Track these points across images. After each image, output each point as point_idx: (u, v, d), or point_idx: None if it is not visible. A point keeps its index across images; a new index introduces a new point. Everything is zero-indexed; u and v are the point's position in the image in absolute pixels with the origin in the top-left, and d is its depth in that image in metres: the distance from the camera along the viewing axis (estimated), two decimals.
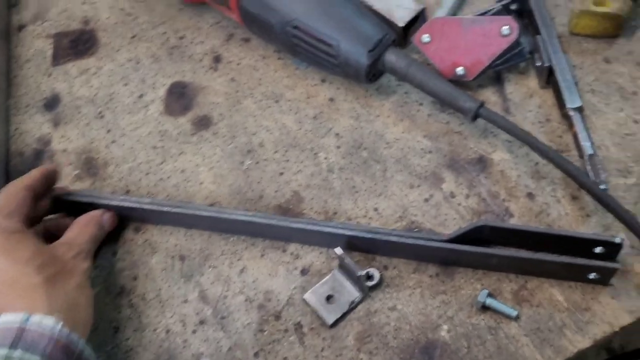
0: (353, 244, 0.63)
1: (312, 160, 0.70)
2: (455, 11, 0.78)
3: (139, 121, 0.75)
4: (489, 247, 0.62)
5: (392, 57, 0.69)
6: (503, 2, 0.74)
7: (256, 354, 0.60)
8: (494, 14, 0.73)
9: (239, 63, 0.78)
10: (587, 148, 0.65)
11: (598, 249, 0.59)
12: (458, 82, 0.70)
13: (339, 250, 0.59)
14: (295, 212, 0.67)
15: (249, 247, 0.65)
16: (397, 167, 0.68)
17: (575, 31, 0.74)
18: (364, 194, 0.67)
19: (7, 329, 0.50)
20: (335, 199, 0.67)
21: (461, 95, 0.66)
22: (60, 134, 0.75)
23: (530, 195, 0.65)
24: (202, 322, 0.62)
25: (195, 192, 0.69)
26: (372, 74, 0.71)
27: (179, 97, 0.77)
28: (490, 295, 0.59)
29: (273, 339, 0.60)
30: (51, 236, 0.63)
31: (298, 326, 0.61)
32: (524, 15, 0.75)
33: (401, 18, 0.73)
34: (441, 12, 0.77)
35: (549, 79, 0.70)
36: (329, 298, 0.61)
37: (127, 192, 0.71)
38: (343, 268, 0.62)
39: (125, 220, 0.68)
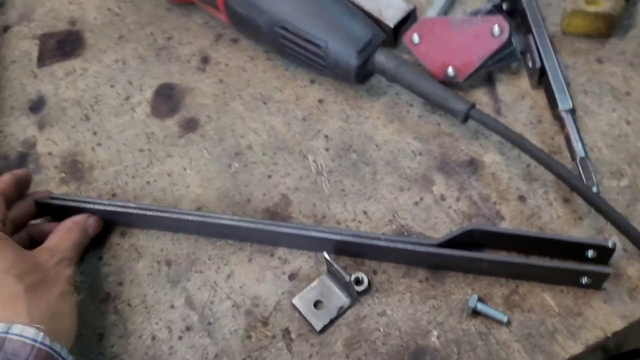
0: (342, 249, 0.62)
1: (300, 163, 0.69)
2: (446, 11, 0.77)
3: (125, 123, 0.74)
4: (480, 250, 0.61)
5: (381, 58, 0.68)
6: (494, 2, 0.73)
7: None
8: (485, 14, 0.72)
9: (228, 64, 0.77)
10: (579, 150, 0.64)
11: (590, 253, 0.58)
12: (449, 83, 0.70)
13: (327, 255, 0.58)
14: (283, 216, 0.66)
15: (236, 251, 0.64)
16: (387, 169, 0.67)
17: (568, 31, 0.73)
18: (353, 197, 0.66)
19: None
20: (324, 202, 0.66)
21: (452, 97, 0.65)
22: (46, 136, 0.74)
23: (521, 198, 0.64)
24: (188, 329, 0.61)
25: (182, 195, 0.68)
26: (362, 75, 0.70)
27: (166, 99, 0.75)
28: (480, 300, 0.58)
29: (260, 345, 0.59)
30: (35, 242, 0.62)
31: (286, 332, 0.60)
32: (516, 15, 0.74)
33: (391, 18, 0.72)
34: (432, 12, 0.76)
35: (540, 79, 0.69)
36: (317, 303, 0.60)
37: (113, 195, 0.69)
38: (331, 273, 0.61)
39: (111, 224, 0.67)
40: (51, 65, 0.80)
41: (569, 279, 0.58)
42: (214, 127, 0.73)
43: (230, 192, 0.68)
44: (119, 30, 0.82)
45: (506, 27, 0.67)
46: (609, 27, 0.71)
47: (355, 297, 0.60)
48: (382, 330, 0.59)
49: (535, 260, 0.60)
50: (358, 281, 0.61)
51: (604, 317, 0.57)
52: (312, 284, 0.61)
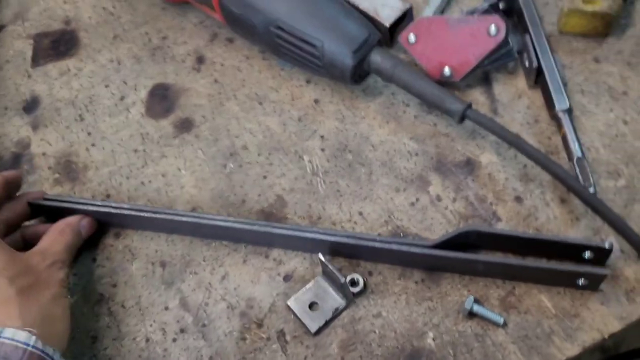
0: (337, 250, 0.61)
1: (296, 164, 0.68)
2: (442, 10, 0.76)
3: (119, 124, 0.74)
4: (476, 251, 0.61)
5: (377, 58, 0.67)
6: (491, 1, 0.72)
7: None
8: (481, 13, 0.71)
9: (223, 64, 0.77)
10: (576, 150, 0.64)
11: (587, 254, 0.58)
12: (445, 82, 0.69)
13: (321, 257, 0.58)
14: (278, 217, 0.65)
15: (231, 252, 0.64)
16: (383, 170, 0.67)
17: (565, 30, 0.72)
18: (349, 198, 0.66)
19: None
20: (320, 203, 0.66)
21: (448, 97, 0.65)
22: (40, 137, 0.74)
23: (518, 199, 0.64)
24: (182, 331, 0.60)
25: (176, 196, 0.68)
26: (358, 75, 0.69)
27: (161, 99, 0.75)
28: (476, 301, 0.58)
29: (255, 347, 0.59)
30: (29, 243, 0.61)
31: (281, 334, 0.59)
32: (513, 14, 0.74)
33: (387, 17, 0.72)
34: (428, 11, 0.75)
35: (537, 79, 0.69)
36: (312, 305, 0.60)
37: (108, 196, 0.69)
38: (327, 274, 0.60)
39: (105, 225, 0.66)
40: (45, 65, 0.79)
41: (566, 281, 0.58)
42: (209, 128, 0.72)
43: (225, 193, 0.67)
44: (114, 29, 0.81)
45: (503, 26, 0.66)
46: (606, 27, 0.71)
47: (351, 299, 0.60)
48: (377, 332, 0.59)
49: (531, 262, 0.60)
50: (353, 282, 0.60)
51: (600, 319, 0.57)
52: (307, 286, 0.61)
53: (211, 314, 0.61)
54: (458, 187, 0.65)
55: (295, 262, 0.63)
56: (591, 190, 0.61)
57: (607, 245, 0.56)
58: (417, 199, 0.65)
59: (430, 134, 0.69)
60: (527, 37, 0.70)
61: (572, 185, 0.60)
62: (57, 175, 0.71)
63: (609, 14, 0.69)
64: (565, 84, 0.68)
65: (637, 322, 0.57)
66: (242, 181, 0.68)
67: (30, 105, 0.76)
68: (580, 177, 0.62)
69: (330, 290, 0.60)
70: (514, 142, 0.62)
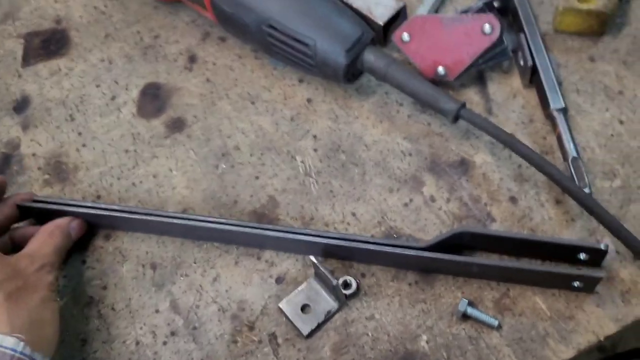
0: (330, 251, 0.61)
1: (288, 164, 0.68)
2: (436, 8, 0.76)
3: (110, 124, 0.73)
4: (471, 252, 0.60)
5: (370, 57, 0.67)
6: (485, 0, 0.71)
7: None
8: (476, 12, 0.70)
9: (215, 63, 0.76)
10: (571, 150, 0.63)
11: (582, 255, 0.57)
12: (439, 82, 0.69)
13: (313, 258, 0.57)
14: (270, 218, 0.65)
15: (222, 254, 0.63)
16: (376, 170, 0.66)
17: (560, 29, 0.72)
18: (342, 199, 0.65)
19: None
20: (312, 204, 0.65)
21: (442, 96, 0.64)
22: (30, 137, 0.73)
23: (512, 199, 0.63)
24: (173, 333, 0.60)
25: (168, 197, 0.67)
26: (351, 74, 0.69)
27: (153, 99, 0.74)
28: (470, 304, 0.57)
29: (246, 350, 0.58)
30: (18, 246, 0.60)
31: (272, 337, 0.59)
32: (507, 13, 0.73)
33: (381, 16, 0.71)
34: (422, 10, 0.74)
35: (532, 78, 0.68)
36: (304, 307, 0.59)
37: (98, 197, 0.68)
38: (319, 276, 0.60)
39: (95, 227, 0.65)
40: (36, 65, 0.79)
41: (561, 283, 0.57)
42: (200, 127, 0.71)
43: (217, 194, 0.67)
44: (105, 28, 0.81)
45: (497, 25, 0.65)
46: (601, 25, 0.70)
47: (343, 301, 0.59)
48: (370, 334, 0.58)
49: (526, 265, 0.59)
50: (346, 284, 0.60)
51: (596, 321, 0.56)
52: (300, 288, 0.60)
53: (202, 317, 0.60)
54: (452, 187, 0.64)
55: (288, 263, 0.62)
56: (586, 190, 0.61)
57: (602, 247, 0.56)
58: (411, 200, 0.64)
59: (424, 134, 0.68)
60: (522, 36, 0.69)
61: (567, 186, 0.59)
62: (47, 176, 0.70)
63: (604, 12, 0.68)
64: (560, 83, 0.68)
65: (633, 323, 0.57)
66: (234, 182, 0.67)
67: (21, 105, 0.75)
68: (575, 177, 0.62)
69: (323, 293, 0.59)
70: (508, 142, 0.61)
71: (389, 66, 0.66)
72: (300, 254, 0.62)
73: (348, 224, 0.64)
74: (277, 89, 0.73)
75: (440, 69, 0.68)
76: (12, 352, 0.49)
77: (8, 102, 0.76)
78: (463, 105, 0.64)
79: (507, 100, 0.69)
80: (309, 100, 0.72)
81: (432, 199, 0.64)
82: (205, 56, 0.77)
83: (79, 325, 0.61)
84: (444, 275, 0.60)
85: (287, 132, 0.70)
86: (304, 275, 0.61)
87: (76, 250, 0.64)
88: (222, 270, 0.62)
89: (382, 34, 0.72)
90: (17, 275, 0.54)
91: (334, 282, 0.56)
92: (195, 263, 0.63)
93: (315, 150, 0.68)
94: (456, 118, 0.64)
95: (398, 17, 0.72)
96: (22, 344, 0.49)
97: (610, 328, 0.56)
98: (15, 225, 0.65)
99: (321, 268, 0.57)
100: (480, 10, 0.71)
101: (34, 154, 0.71)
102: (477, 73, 0.71)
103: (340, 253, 0.61)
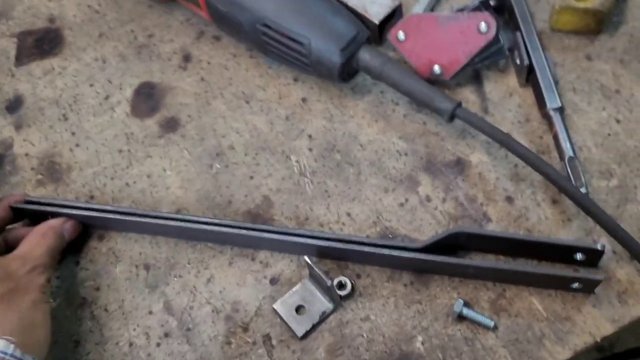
0: (324, 252, 0.60)
1: (283, 164, 0.67)
2: (432, 7, 0.75)
3: (104, 123, 0.72)
4: (466, 252, 0.60)
5: (366, 56, 0.66)
6: None
7: None
8: (472, 10, 0.70)
9: (209, 62, 0.75)
10: (568, 150, 0.63)
11: (579, 256, 0.57)
12: (435, 81, 0.68)
13: (307, 259, 0.57)
14: (265, 218, 0.64)
15: (216, 255, 0.63)
16: (372, 170, 0.66)
17: (556, 27, 0.71)
18: (337, 199, 0.65)
19: None
20: (307, 204, 0.65)
21: (437, 95, 0.64)
22: (23, 137, 0.72)
23: (509, 199, 0.63)
24: (166, 335, 0.59)
25: (161, 197, 0.67)
26: (346, 73, 0.68)
27: (147, 98, 0.74)
28: (466, 304, 0.57)
29: (240, 352, 0.58)
30: (11, 247, 0.60)
31: (267, 338, 0.58)
32: (503, 11, 0.73)
33: (376, 14, 0.70)
34: (418, 8, 0.74)
35: (528, 77, 0.68)
36: (299, 308, 0.59)
37: (92, 197, 0.68)
38: (313, 277, 0.59)
39: (88, 227, 0.65)
40: (29, 64, 0.78)
41: (559, 284, 0.57)
42: (195, 127, 0.71)
43: (211, 194, 0.66)
44: (99, 27, 0.80)
45: (493, 23, 0.65)
46: (598, 24, 0.70)
47: (338, 302, 0.59)
48: (365, 335, 0.57)
49: (522, 266, 0.59)
50: (341, 285, 0.59)
51: (593, 322, 0.56)
52: (294, 289, 0.60)
53: (196, 318, 0.60)
54: (448, 187, 0.64)
55: (282, 264, 0.61)
56: (583, 190, 0.60)
57: (599, 247, 0.55)
58: (406, 200, 0.64)
59: (420, 133, 0.68)
60: (518, 35, 0.69)
61: (563, 186, 0.59)
62: (40, 176, 0.69)
63: (601, 11, 0.68)
64: (556, 82, 0.67)
65: (630, 324, 0.56)
66: (228, 182, 0.67)
67: (14, 105, 0.75)
68: (571, 177, 0.61)
69: (318, 294, 0.59)
70: (504, 141, 0.61)
71: (385, 65, 0.66)
72: (294, 254, 0.61)
73: (343, 224, 0.63)
74: (272, 88, 0.73)
75: (436, 68, 0.68)
76: (2, 355, 0.48)
77: (1, 101, 0.75)
78: (459, 105, 0.63)
79: (503, 100, 0.69)
80: (303, 100, 0.71)
81: (428, 199, 0.64)
82: (199, 55, 0.76)
83: (71, 326, 0.60)
84: (439, 276, 0.59)
85: (281, 132, 0.69)
86: (299, 276, 0.61)
87: (69, 251, 0.63)
88: (216, 271, 0.62)
89: (378, 33, 0.71)
90: (8, 277, 0.54)
91: (329, 282, 0.56)
92: (189, 264, 0.62)
93: (310, 149, 0.68)
94: (452, 117, 0.64)
95: (393, 16, 0.71)
96: (12, 346, 0.49)
97: (607, 329, 0.56)
98: (9, 226, 0.64)
99: (316, 269, 0.56)
100: (476, 8, 0.71)
101: (27, 154, 0.71)
102: (473, 72, 0.70)
103: (335, 254, 0.60)
